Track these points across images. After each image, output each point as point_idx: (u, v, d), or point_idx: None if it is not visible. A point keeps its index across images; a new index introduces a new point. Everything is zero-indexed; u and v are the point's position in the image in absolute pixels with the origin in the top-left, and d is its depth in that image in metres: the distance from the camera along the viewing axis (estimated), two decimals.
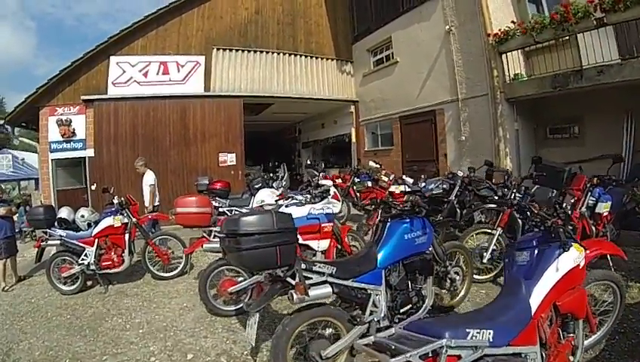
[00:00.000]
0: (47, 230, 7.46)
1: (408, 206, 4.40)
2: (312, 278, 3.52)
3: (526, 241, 3.28)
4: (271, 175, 10.84)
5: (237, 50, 14.68)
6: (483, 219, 7.10)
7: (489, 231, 6.18)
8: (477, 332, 2.43)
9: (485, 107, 10.72)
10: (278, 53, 15.40)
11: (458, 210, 7.34)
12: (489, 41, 10.34)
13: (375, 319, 3.76)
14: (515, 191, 6.48)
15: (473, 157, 10.08)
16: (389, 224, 4.21)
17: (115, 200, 7.53)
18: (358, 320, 3.62)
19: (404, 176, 9.70)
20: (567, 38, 9.10)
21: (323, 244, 5.75)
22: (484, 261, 5.85)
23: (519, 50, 10.32)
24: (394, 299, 4.03)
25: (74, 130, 12.81)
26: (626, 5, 7.63)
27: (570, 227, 3.50)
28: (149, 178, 9.68)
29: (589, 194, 6.31)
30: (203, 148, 13.97)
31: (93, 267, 7.07)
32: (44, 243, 7.48)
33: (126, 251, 7.38)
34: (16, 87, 79.89)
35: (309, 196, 6.27)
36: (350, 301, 3.81)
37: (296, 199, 6.29)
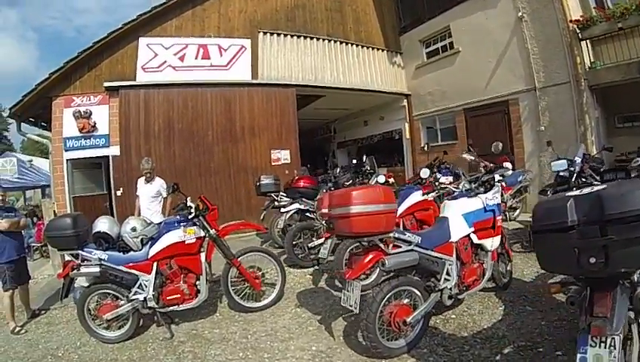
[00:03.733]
0: (79, 251, 4.96)
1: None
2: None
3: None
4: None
5: (285, 36, 12.49)
6: None
7: None
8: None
9: (567, 95, 10.03)
10: (329, 41, 13.26)
11: None
12: (569, 27, 9.72)
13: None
14: None
15: (555, 147, 8.72)
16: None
17: (190, 203, 5.18)
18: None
19: (505, 163, 8.01)
20: None
21: (496, 242, 4.66)
22: None
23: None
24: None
25: (95, 123, 10.34)
26: None
27: None
28: (163, 182, 7.52)
29: None
30: (252, 144, 11.77)
31: (152, 303, 4.87)
32: (74, 271, 4.91)
33: (202, 278, 5.12)
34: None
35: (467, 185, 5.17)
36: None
37: (453, 188, 5.49)
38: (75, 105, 10.25)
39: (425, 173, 7.45)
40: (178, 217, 5.24)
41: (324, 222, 4.11)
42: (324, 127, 21.43)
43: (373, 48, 14.18)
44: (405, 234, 3.84)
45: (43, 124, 11.92)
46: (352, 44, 13.66)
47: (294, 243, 7.07)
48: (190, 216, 5.15)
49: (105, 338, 4.92)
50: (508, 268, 5.12)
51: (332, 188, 8.44)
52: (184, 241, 5.04)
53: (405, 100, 14.95)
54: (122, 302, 4.91)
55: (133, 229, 5.20)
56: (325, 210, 3.95)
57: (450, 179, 8.04)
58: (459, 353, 3.74)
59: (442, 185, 6.97)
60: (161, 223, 5.35)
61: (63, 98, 10.27)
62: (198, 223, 5.17)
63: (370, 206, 3.54)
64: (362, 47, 13.91)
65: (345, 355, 3.98)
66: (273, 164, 11.74)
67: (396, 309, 3.70)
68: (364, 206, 3.53)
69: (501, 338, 3.92)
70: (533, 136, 10.84)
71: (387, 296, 3.63)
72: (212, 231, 5.22)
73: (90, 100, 10.36)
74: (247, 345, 4.48)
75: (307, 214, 7.71)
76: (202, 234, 5.18)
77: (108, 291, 5.00)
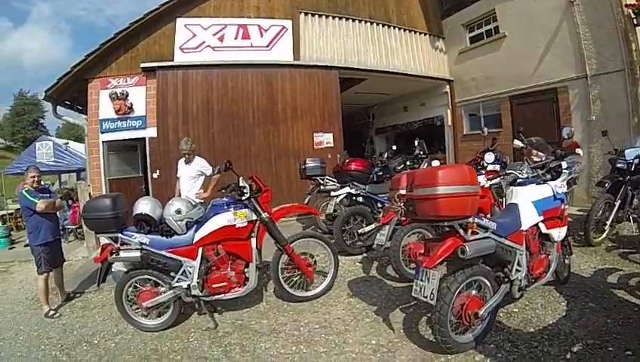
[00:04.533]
0: (118, 234, 4.61)
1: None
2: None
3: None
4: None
5: (327, 17, 11.80)
6: None
7: None
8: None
9: (620, 84, 9.37)
10: (371, 23, 12.51)
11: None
12: (624, 12, 9.10)
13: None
14: None
15: (605, 139, 8.39)
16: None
17: (243, 183, 4.68)
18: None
19: (577, 150, 7.72)
20: None
21: (563, 232, 4.35)
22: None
23: None
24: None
25: (131, 104, 9.97)
26: None
27: None
28: (203, 161, 7.04)
29: None
30: (295, 126, 11.16)
31: (196, 291, 4.52)
32: (112, 256, 4.54)
33: (252, 265, 4.71)
34: None
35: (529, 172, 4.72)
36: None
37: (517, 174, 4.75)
38: (111, 87, 9.95)
39: (490, 157, 7.06)
40: (226, 199, 4.78)
41: (401, 204, 3.56)
42: (362, 112, 20.57)
43: (415, 32, 13.43)
44: (483, 220, 3.57)
45: (79, 107, 11.62)
46: (394, 27, 12.93)
47: (343, 229, 6.67)
48: (244, 198, 4.67)
49: (144, 326, 4.60)
50: (567, 261, 4.83)
51: (380, 173, 8.08)
52: (234, 225, 4.59)
53: (448, 86, 14.19)
54: (163, 289, 4.58)
55: (178, 211, 4.68)
56: (403, 191, 3.64)
57: (498, 167, 7.54)
58: (527, 349, 3.54)
59: (506, 172, 6.48)
60: (206, 206, 4.95)
61: (98, 80, 9.97)
62: (249, 206, 4.70)
63: (458, 187, 3.25)
64: (404, 30, 13.18)
65: (407, 350, 3.70)
66: (316, 147, 11.18)
67: (468, 301, 3.50)
68: (452, 187, 3.23)
69: (568, 335, 3.72)
70: (582, 126, 10.19)
71: (460, 287, 3.44)
72: (264, 215, 4.74)
73: (126, 82, 10.04)
74: (299, 337, 4.12)
75: (356, 199, 7.27)
76: (254, 217, 4.71)
77: (148, 277, 4.63)
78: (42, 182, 5.84)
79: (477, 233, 3.47)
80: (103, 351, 4.24)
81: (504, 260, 3.74)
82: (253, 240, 4.70)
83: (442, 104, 14.62)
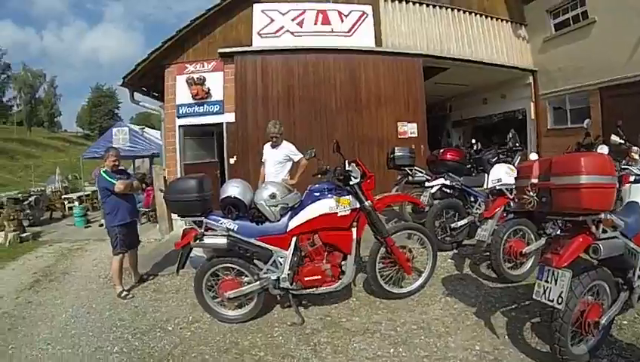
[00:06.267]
0: (204, 219, 4.19)
1: None
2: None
3: None
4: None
5: (407, 2, 10.96)
6: None
7: None
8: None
9: None
10: (452, 9, 11.55)
11: None
12: None
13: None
14: None
15: None
16: None
17: (349, 167, 4.18)
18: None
19: None
20: None
21: None
22: None
23: None
24: None
25: (209, 89, 9.72)
26: None
27: None
28: (291, 146, 6.35)
29: None
30: (378, 115, 10.46)
31: (286, 284, 4.08)
32: (196, 241, 4.14)
33: (350, 257, 4.16)
34: None
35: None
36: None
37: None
38: (188, 72, 9.81)
39: (605, 150, 6.10)
40: (326, 184, 4.23)
41: (533, 194, 3.09)
42: (439, 103, 19.54)
43: (497, 19, 12.36)
44: (614, 217, 3.08)
45: (154, 93, 11.52)
46: (475, 14, 11.94)
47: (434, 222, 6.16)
48: (352, 183, 4.09)
49: (223, 316, 4.24)
50: None
51: (473, 167, 7.42)
52: (336, 213, 4.04)
53: (531, 77, 12.90)
54: (247, 279, 4.16)
55: (273, 196, 4.14)
56: (535, 180, 3.15)
57: None
58: None
59: (622, 167, 5.58)
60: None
61: (175, 66, 9.86)
62: (352, 192, 4.13)
63: (603, 177, 2.85)
64: (486, 17, 12.14)
65: (515, 359, 3.28)
66: (400, 137, 10.41)
67: (589, 307, 3.06)
68: (597, 176, 2.82)
69: None
70: None
71: (585, 291, 3.01)
72: (367, 203, 4.16)
73: (203, 67, 9.86)
74: (397, 339, 3.66)
75: (449, 191, 6.62)
76: (357, 205, 4.13)
77: (232, 266, 4.20)
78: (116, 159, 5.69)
79: (606, 231, 3.02)
80: (177, 339, 3.95)
81: (629, 264, 3.25)
82: (354, 231, 4.14)
83: (525, 96, 13.44)
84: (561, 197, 2.97)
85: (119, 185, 5.23)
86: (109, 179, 5.27)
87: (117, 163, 5.56)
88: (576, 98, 11.82)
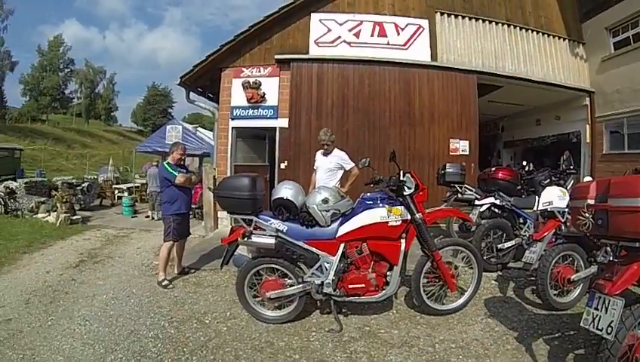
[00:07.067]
0: (254, 217, 4.21)
1: None
2: None
3: None
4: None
5: (463, 18, 10.78)
6: None
7: None
8: None
9: None
10: (509, 26, 11.18)
11: None
12: None
13: None
14: None
15: None
16: None
17: (404, 177, 4.22)
18: None
19: None
20: None
21: None
22: None
23: None
24: None
25: (264, 94, 9.89)
26: None
27: None
28: (343, 155, 6.34)
29: None
30: (431, 130, 10.28)
31: (329, 289, 4.04)
32: (243, 239, 4.14)
33: (396, 268, 4.12)
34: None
35: None
36: None
37: None
38: (244, 76, 10.04)
39: None
40: (379, 193, 4.22)
41: (589, 215, 2.96)
42: (491, 123, 19.02)
43: (554, 36, 11.89)
44: None
45: (209, 95, 11.78)
46: (531, 31, 11.52)
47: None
48: (406, 193, 4.11)
49: (262, 316, 4.24)
50: None
51: (524, 188, 7.17)
52: (387, 223, 4.01)
53: (587, 98, 12.24)
54: (290, 282, 4.16)
55: (325, 201, 4.15)
56: (592, 201, 3.02)
57: None
58: None
59: None
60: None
61: (232, 69, 10.09)
62: (404, 203, 4.12)
63: None
64: (542, 34, 11.71)
65: None
66: (451, 153, 10.21)
67: (638, 342, 2.81)
68: None
69: None
70: None
71: (635, 324, 2.80)
72: (418, 215, 4.14)
73: (259, 72, 10.06)
74: (434, 355, 3.57)
75: (498, 211, 6.49)
76: (408, 217, 4.11)
77: (277, 267, 4.21)
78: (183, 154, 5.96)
79: None
80: (213, 332, 3.98)
81: None
82: (403, 242, 4.10)
83: (580, 118, 12.77)
84: (618, 220, 2.83)
85: (180, 178, 5.47)
86: (171, 171, 5.51)
87: (182, 157, 5.84)
88: (635, 122, 11.18)
